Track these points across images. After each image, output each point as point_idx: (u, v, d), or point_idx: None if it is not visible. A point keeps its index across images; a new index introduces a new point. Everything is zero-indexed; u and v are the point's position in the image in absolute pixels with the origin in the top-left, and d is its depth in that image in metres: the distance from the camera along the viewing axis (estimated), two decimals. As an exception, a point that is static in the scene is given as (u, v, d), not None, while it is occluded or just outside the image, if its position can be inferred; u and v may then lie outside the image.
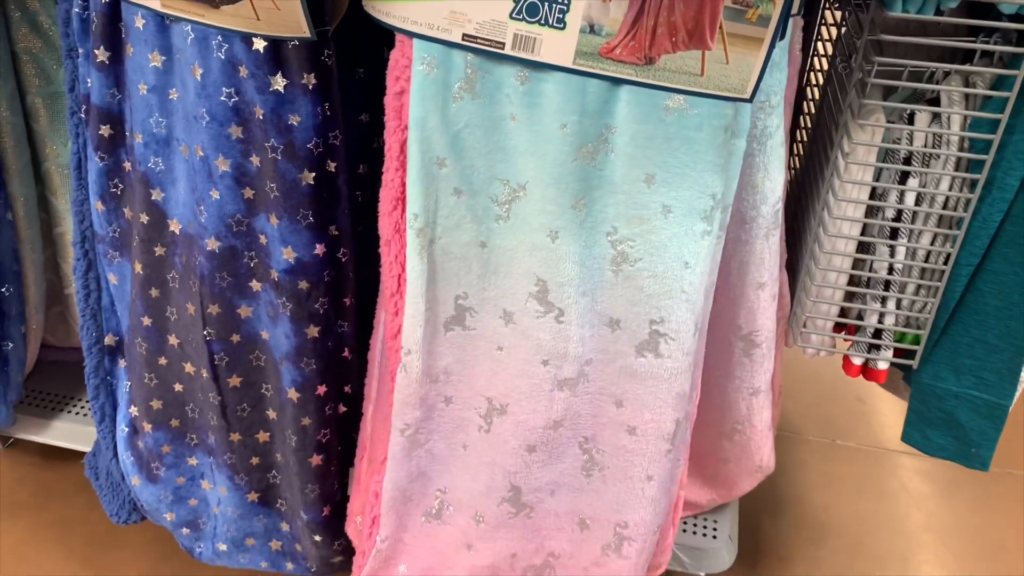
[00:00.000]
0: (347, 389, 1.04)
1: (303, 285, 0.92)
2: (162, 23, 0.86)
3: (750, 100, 0.78)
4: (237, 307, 0.96)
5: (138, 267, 0.98)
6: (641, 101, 0.77)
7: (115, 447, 1.13)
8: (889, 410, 1.68)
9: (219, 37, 0.83)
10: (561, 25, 0.75)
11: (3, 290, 1.19)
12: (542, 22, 0.75)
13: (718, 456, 1.12)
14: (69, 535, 1.36)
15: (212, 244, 0.92)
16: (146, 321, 1.01)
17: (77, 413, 1.35)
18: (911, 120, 0.94)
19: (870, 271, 1.01)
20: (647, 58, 0.76)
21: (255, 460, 1.06)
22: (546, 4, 0.75)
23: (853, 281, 1.03)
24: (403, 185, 0.85)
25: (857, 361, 1.06)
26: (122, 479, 1.14)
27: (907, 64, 0.91)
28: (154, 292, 0.99)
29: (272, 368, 1.00)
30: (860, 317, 1.05)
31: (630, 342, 0.87)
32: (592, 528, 0.96)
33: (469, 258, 0.86)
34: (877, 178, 0.97)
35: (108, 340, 1.08)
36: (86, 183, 1.00)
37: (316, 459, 1.02)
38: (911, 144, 0.94)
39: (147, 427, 1.08)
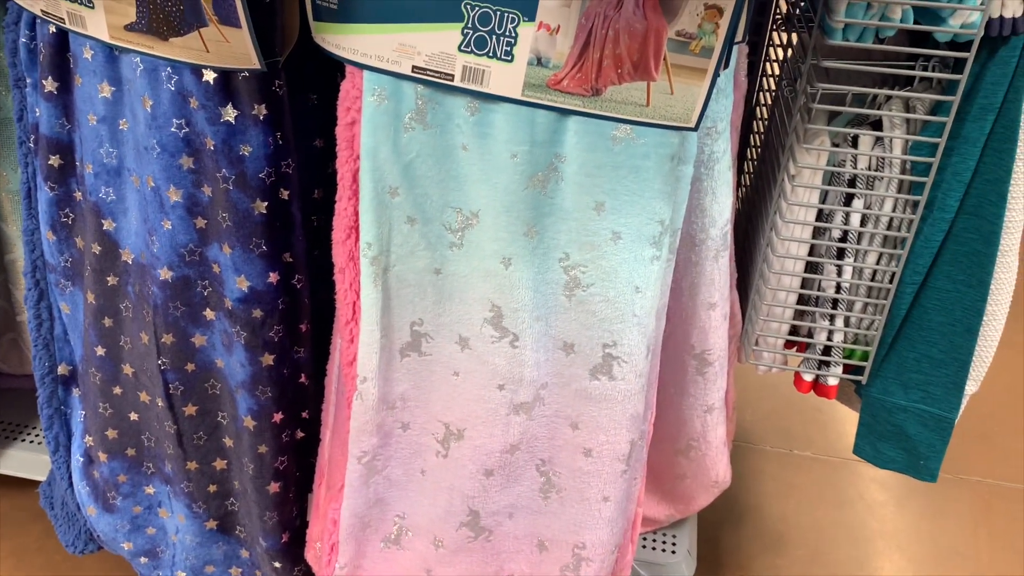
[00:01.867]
0: (304, 415, 1.04)
1: (257, 313, 0.92)
2: (111, 54, 0.85)
3: (695, 129, 0.80)
4: (191, 336, 0.96)
5: (91, 297, 0.97)
6: (589, 131, 0.79)
7: (70, 477, 1.11)
8: (845, 419, 1.71)
9: (168, 68, 0.82)
10: (509, 58, 0.76)
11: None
12: (490, 55, 0.76)
13: (674, 472, 1.14)
14: (26, 565, 1.34)
15: (165, 274, 0.91)
16: (99, 351, 1.00)
17: (31, 441, 1.33)
18: (855, 143, 0.97)
19: (818, 290, 1.03)
20: (594, 89, 0.77)
21: (213, 488, 1.06)
22: (494, 37, 0.76)
23: (802, 300, 1.06)
24: (356, 214, 0.85)
25: (808, 377, 1.08)
26: (78, 509, 1.13)
27: (850, 89, 0.93)
28: (107, 321, 0.98)
29: (227, 396, 0.99)
30: (809, 334, 1.07)
31: (584, 365, 0.88)
32: (551, 550, 0.97)
33: (424, 285, 0.87)
34: (823, 200, 0.99)
35: (61, 369, 1.07)
36: (36, 212, 0.99)
37: (274, 486, 1.02)
38: (855, 167, 0.97)
39: (102, 457, 1.07)
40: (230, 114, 0.84)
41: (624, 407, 0.89)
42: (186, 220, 0.89)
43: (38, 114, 0.93)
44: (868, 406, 1.10)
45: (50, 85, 0.90)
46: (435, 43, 0.77)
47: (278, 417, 0.99)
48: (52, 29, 0.87)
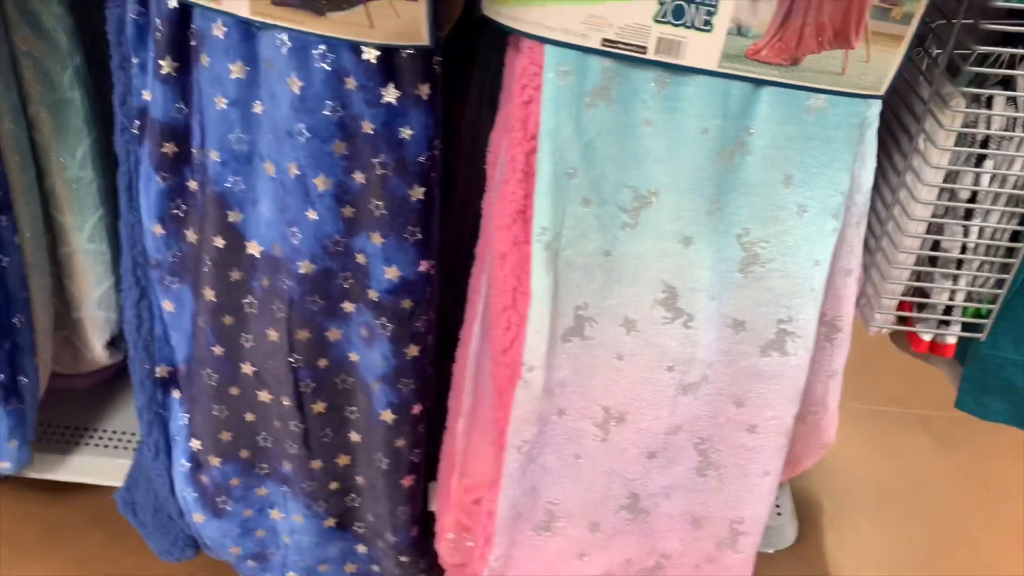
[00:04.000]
0: (428, 404, 0.99)
1: (406, 304, 0.87)
2: (246, 31, 0.78)
3: (883, 97, 0.78)
4: (326, 330, 0.90)
5: (209, 294, 0.90)
6: (783, 102, 0.76)
7: (171, 483, 1.04)
8: (886, 369, 1.74)
9: (323, 46, 0.76)
10: (708, 27, 0.73)
11: (14, 320, 1.08)
12: (688, 24, 0.73)
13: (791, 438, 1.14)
14: (93, 573, 1.27)
15: (306, 267, 0.85)
16: (217, 351, 0.93)
17: (93, 445, 1.25)
18: (989, 104, 0.96)
19: (940, 250, 1.04)
20: (792, 59, 0.74)
21: (335, 485, 1.01)
22: (692, 6, 0.72)
23: (919, 260, 1.06)
24: (526, 197, 0.80)
25: (927, 337, 1.09)
26: (180, 516, 1.06)
27: (989, 50, 0.92)
28: (228, 319, 0.92)
29: (360, 390, 0.94)
30: (926, 295, 1.08)
31: (755, 343, 0.86)
32: (705, 526, 0.96)
33: (592, 268, 0.83)
34: (954, 162, 0.99)
35: (160, 372, 1.00)
36: (137, 205, 0.91)
37: (408, 480, 0.98)
38: (988, 128, 0.96)
39: (214, 461, 1.01)
40: (392, 95, 0.78)
41: (794, 382, 0.88)
42: (334, 210, 0.83)
43: (147, 97, 0.85)
44: (977, 361, 1.11)
45: (168, 66, 0.82)
46: (629, 14, 0.73)
47: (417, 409, 0.94)
48: (172, 4, 0.79)
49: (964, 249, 1.03)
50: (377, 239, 0.84)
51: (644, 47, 0.74)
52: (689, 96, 0.75)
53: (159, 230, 0.90)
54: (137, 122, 0.87)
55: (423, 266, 0.86)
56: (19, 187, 1.05)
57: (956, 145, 0.98)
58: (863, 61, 0.75)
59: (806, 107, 0.76)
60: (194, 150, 0.86)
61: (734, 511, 0.94)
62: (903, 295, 1.09)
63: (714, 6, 0.72)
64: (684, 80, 0.75)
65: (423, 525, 1.04)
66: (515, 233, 0.82)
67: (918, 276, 1.07)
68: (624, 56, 0.74)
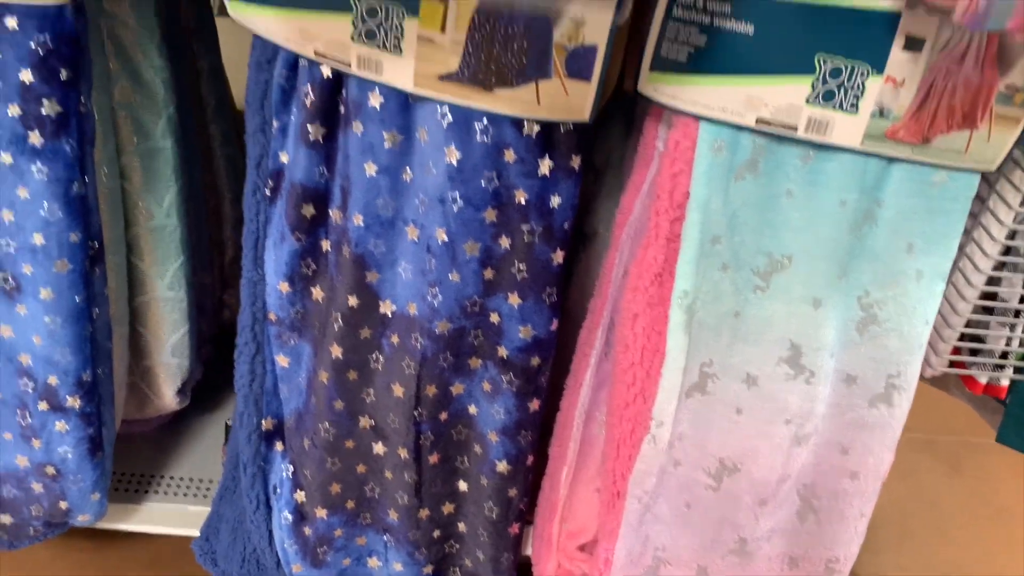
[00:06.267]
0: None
1: (535, 361, 0.90)
2: (405, 102, 0.80)
3: (996, 171, 0.85)
4: (451, 385, 0.92)
5: (336, 351, 0.91)
6: (913, 178, 0.82)
7: (269, 535, 1.04)
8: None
9: (484, 120, 0.78)
10: (855, 110, 0.78)
11: (99, 371, 1.07)
12: (836, 106, 0.78)
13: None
14: (157, 623, 1.25)
15: (442, 327, 0.87)
16: (338, 405, 0.94)
17: (157, 492, 1.23)
18: (1052, 167, 1.04)
19: (1000, 300, 1.11)
20: (924, 138, 0.80)
21: (437, 533, 1.03)
22: (842, 90, 0.77)
23: (977, 308, 1.13)
24: (666, 261, 0.84)
25: (983, 380, 1.17)
26: (277, 567, 1.06)
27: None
28: (352, 375, 0.93)
29: (474, 441, 0.96)
30: (980, 339, 1.16)
31: (864, 396, 0.91)
32: (801, 565, 1.01)
33: (721, 328, 0.87)
34: (1019, 221, 1.07)
35: (266, 424, 1.00)
36: (262, 262, 0.91)
37: (514, 527, 1.01)
38: (1050, 188, 1.05)
39: (321, 512, 1.01)
40: (546, 166, 0.81)
41: (895, 431, 0.94)
42: (477, 273, 0.85)
43: (283, 159, 0.86)
44: (1020, 399, 1.20)
45: (316, 132, 0.83)
46: (783, 95, 0.77)
47: (531, 460, 0.97)
48: (327, 73, 0.80)
49: (1022, 300, 1.11)
50: (515, 300, 0.87)
51: (795, 126, 0.78)
52: (831, 171, 0.80)
53: (285, 288, 0.91)
54: (271, 183, 0.88)
55: (553, 325, 0.89)
56: (110, 239, 1.04)
57: (1022, 205, 1.06)
58: (984, 140, 0.82)
59: (932, 182, 0.82)
60: (332, 212, 0.87)
61: (830, 551, 1.00)
62: (952, 340, 1.16)
63: (861, 90, 0.77)
64: (827, 156, 0.80)
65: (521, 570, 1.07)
66: (651, 295, 0.86)
67: (975, 322, 1.15)
68: (775, 134, 0.79)
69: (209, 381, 1.31)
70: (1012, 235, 1.07)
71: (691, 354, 0.88)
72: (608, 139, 0.98)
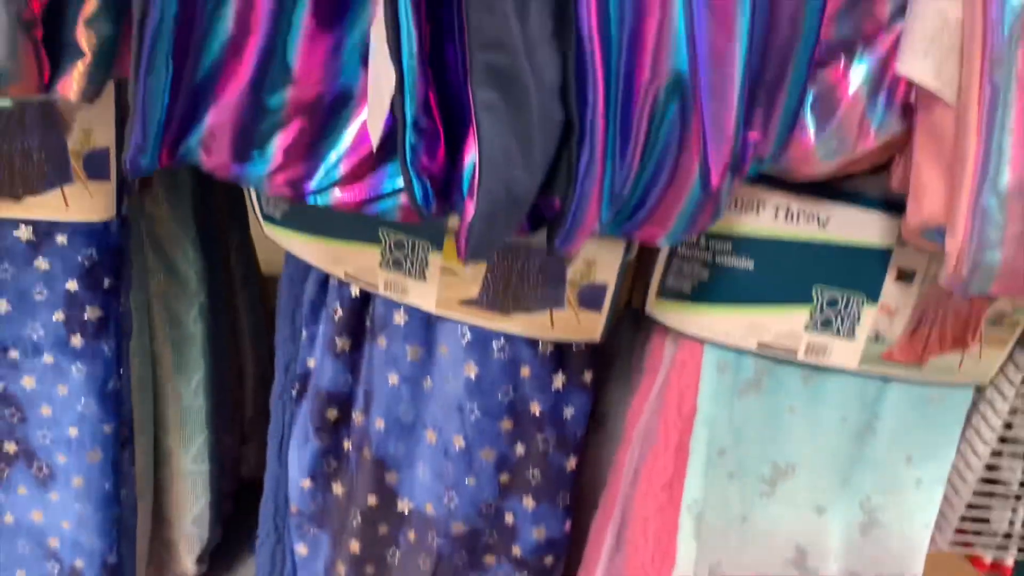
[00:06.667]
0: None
1: (548, 560, 0.93)
2: (428, 319, 0.85)
3: (985, 385, 0.89)
4: (464, 580, 0.95)
5: (355, 547, 0.94)
6: (911, 395, 0.86)
7: None
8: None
9: (502, 339, 0.83)
10: (851, 336, 0.83)
11: (124, 552, 1.09)
12: (834, 333, 0.82)
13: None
14: None
15: (458, 528, 0.90)
16: (355, 597, 0.97)
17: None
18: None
19: (1001, 483, 1.14)
20: (919, 359, 0.85)
21: None
22: (839, 318, 0.82)
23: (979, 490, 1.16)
24: (675, 468, 0.88)
25: (989, 558, 1.18)
26: None
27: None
28: (369, 568, 0.95)
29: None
30: (986, 520, 1.18)
31: (867, 591, 0.94)
32: None
33: (729, 531, 0.90)
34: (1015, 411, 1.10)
35: (282, 609, 1.02)
36: (286, 459, 0.95)
37: None
38: (1045, 380, 1.09)
39: None
40: (560, 381, 0.85)
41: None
42: (493, 478, 0.88)
43: (310, 365, 0.91)
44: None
45: (343, 344, 0.88)
46: (783, 323, 0.82)
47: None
48: (355, 293, 0.86)
49: (1022, 484, 1.14)
50: (529, 503, 0.90)
51: (795, 350, 0.83)
52: (831, 389, 0.85)
53: (308, 484, 0.95)
54: (297, 384, 0.92)
55: (567, 526, 0.92)
56: (140, 419, 1.08)
57: (1016, 395, 1.10)
58: (976, 359, 0.86)
59: (928, 398, 0.86)
60: (355, 414, 0.91)
61: None
62: (954, 521, 1.19)
63: (858, 319, 0.82)
64: (827, 376, 0.84)
65: None
66: (661, 501, 0.89)
67: (979, 502, 1.17)
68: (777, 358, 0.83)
69: (229, 537, 1.32)
70: (1008, 425, 1.11)
71: (700, 559, 0.91)
72: (619, 325, 1.03)
